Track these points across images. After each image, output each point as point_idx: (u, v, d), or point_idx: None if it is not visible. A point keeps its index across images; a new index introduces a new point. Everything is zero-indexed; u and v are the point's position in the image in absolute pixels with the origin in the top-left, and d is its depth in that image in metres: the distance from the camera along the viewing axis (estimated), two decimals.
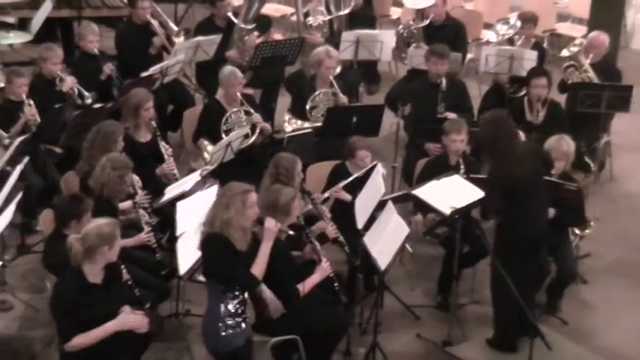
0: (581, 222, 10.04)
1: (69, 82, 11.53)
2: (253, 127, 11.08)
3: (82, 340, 7.62)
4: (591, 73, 12.07)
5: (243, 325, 7.97)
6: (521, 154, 9.03)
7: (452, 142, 10.35)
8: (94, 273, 7.70)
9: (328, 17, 13.63)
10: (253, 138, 11.06)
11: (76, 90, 11.59)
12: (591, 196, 10.72)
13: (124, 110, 10.77)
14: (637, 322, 10.14)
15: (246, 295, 7.98)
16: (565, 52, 12.43)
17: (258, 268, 8.03)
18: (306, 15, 13.79)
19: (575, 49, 12.27)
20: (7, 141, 10.77)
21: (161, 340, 9.04)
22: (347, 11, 13.68)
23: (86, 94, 11.64)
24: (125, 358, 8.12)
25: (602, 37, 12.39)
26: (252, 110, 11.20)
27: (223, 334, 7.84)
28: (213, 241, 7.85)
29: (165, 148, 10.67)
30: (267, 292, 8.17)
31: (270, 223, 8.24)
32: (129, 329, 7.85)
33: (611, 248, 11.18)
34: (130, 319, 7.86)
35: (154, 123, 10.78)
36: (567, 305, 10.10)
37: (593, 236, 10.45)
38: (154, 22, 12.76)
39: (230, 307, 7.83)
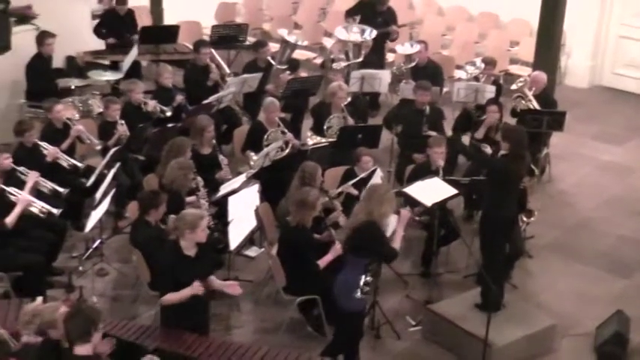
0: (524, 210, 10.03)
1: (152, 104, 11.58)
2: (287, 143, 11.06)
3: (172, 297, 7.58)
4: (534, 102, 12.00)
5: (368, 294, 8.01)
6: (525, 160, 9.02)
7: (434, 153, 10.32)
8: (188, 247, 7.63)
9: (347, 63, 13.62)
10: (287, 151, 11.03)
11: (158, 108, 11.62)
12: (535, 193, 10.67)
13: (192, 131, 10.75)
14: (568, 286, 10.16)
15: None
16: (514, 86, 12.38)
17: (397, 244, 8.01)
18: (332, 61, 13.82)
19: (520, 84, 12.25)
20: (99, 147, 10.85)
21: (216, 298, 9.04)
22: (360, 59, 13.66)
23: (165, 108, 11.70)
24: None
25: (542, 75, 12.33)
26: (286, 130, 11.19)
27: (357, 296, 7.83)
28: (370, 227, 7.80)
29: (222, 160, 10.68)
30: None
31: (405, 213, 8.26)
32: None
33: (549, 231, 11.15)
34: (197, 288, 7.72)
35: (214, 141, 10.80)
36: (517, 274, 10.08)
37: (536, 222, 10.43)
38: (212, 65, 12.76)
39: (368, 278, 7.82)
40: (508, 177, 8.90)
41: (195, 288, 7.55)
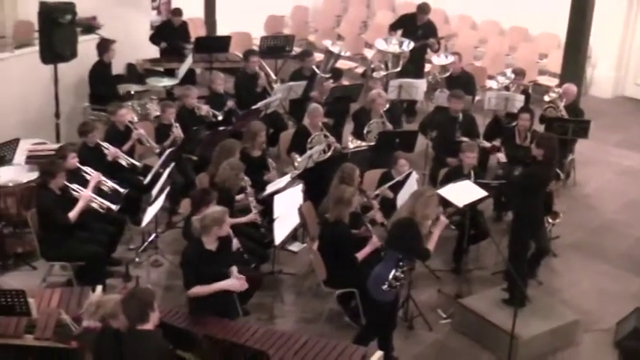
0: (550, 212, 9.95)
1: (205, 108, 11.62)
2: (329, 145, 11.04)
3: (198, 290, 7.63)
4: (564, 112, 11.94)
5: (398, 288, 7.95)
6: (555, 165, 9.06)
7: (466, 157, 10.26)
8: (209, 242, 7.71)
9: (386, 72, 13.59)
10: (330, 153, 11.01)
11: (210, 112, 11.66)
12: (561, 196, 10.57)
13: (245, 135, 10.75)
14: (590, 283, 10.05)
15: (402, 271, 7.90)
16: (547, 97, 12.28)
17: (431, 245, 7.96)
18: (372, 70, 13.79)
19: (554, 95, 12.15)
20: (157, 150, 10.88)
21: (262, 290, 9.07)
22: (398, 69, 13.62)
23: (217, 113, 11.73)
24: (237, 304, 8.18)
25: (573, 88, 12.24)
26: (329, 134, 11.17)
27: (385, 288, 7.78)
28: (409, 224, 7.79)
29: (270, 162, 10.69)
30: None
31: (443, 219, 8.22)
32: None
33: (573, 232, 11.04)
34: (234, 284, 7.82)
35: (264, 145, 10.81)
36: (542, 271, 9.98)
37: (561, 223, 10.30)
38: (261, 73, 12.78)
39: (398, 273, 7.78)
40: (541, 183, 8.93)
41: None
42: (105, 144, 10.34)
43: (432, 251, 7.96)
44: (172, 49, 14.11)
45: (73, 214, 9.01)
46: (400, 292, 8.26)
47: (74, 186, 9.25)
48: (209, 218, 7.70)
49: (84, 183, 9.43)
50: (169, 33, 14.17)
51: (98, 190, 9.56)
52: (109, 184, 9.69)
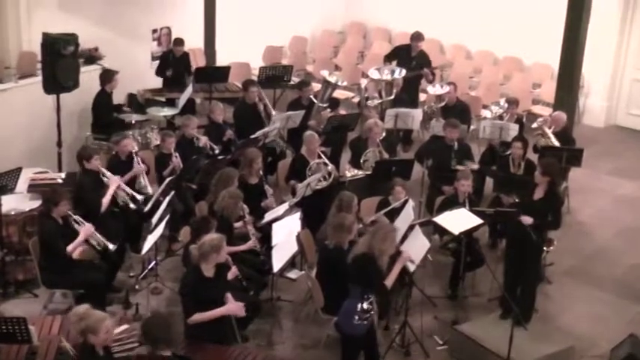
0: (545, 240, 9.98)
1: (203, 140, 11.59)
2: (329, 174, 11.02)
3: (198, 317, 7.63)
4: (552, 139, 11.96)
5: (368, 320, 7.89)
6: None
7: (461, 185, 10.27)
8: (208, 269, 7.71)
9: (380, 100, 13.61)
10: (329, 181, 10.98)
11: (208, 145, 11.62)
12: None
13: (242, 162, 10.77)
14: (585, 310, 10.03)
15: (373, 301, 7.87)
16: (534, 125, 12.34)
17: (389, 281, 7.91)
18: (367, 99, 13.80)
19: (540, 122, 12.23)
20: (148, 190, 10.65)
21: (260, 316, 9.04)
22: (392, 97, 13.63)
23: (215, 146, 11.67)
24: (236, 331, 8.13)
25: (562, 115, 12.28)
26: (328, 162, 11.17)
27: (356, 322, 7.77)
28: (366, 259, 7.77)
29: (267, 189, 10.68)
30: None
31: (406, 255, 8.19)
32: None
33: (568, 259, 11.02)
34: (232, 308, 7.81)
35: (261, 172, 10.80)
36: (538, 298, 9.87)
37: (555, 250, 10.32)
38: (260, 103, 12.80)
39: (365, 305, 7.75)
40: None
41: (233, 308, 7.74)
42: (107, 172, 10.25)
43: (389, 286, 7.89)
44: (174, 79, 14.12)
45: (71, 248, 8.97)
46: (374, 324, 8.23)
47: (77, 217, 9.22)
48: (207, 245, 7.71)
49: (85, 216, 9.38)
50: (172, 63, 14.21)
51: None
52: (98, 238, 9.32)
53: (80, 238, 9.06)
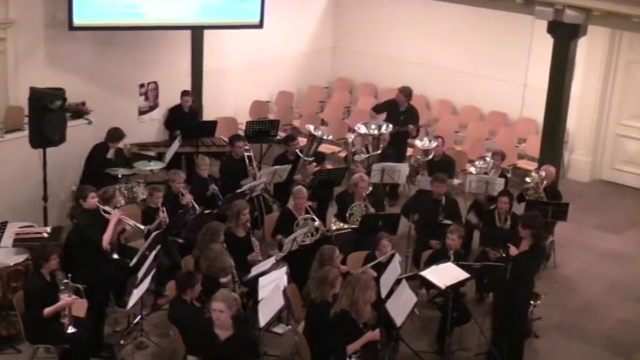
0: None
1: (187, 198, 11.49)
2: (317, 229, 10.98)
3: None
4: (543, 194, 12.02)
5: None
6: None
7: (451, 240, 10.29)
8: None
9: (367, 155, 13.65)
10: (317, 237, 10.93)
11: (190, 204, 11.50)
12: (541, 278, 10.59)
13: (229, 213, 10.76)
14: None
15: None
16: (528, 180, 12.29)
17: (353, 346, 7.99)
18: (354, 153, 13.84)
19: (536, 176, 12.19)
20: (145, 231, 10.70)
21: None
22: (379, 152, 13.66)
23: (197, 207, 11.50)
24: None
25: (552, 169, 12.39)
26: (315, 218, 11.16)
27: None
28: (341, 318, 7.86)
29: (254, 242, 10.65)
30: None
31: (375, 334, 8.22)
32: None
33: (555, 313, 11.01)
34: None
35: (248, 224, 10.77)
36: (525, 353, 9.85)
37: (542, 305, 10.31)
38: (246, 158, 12.81)
39: None
40: (532, 271, 9.19)
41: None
42: (106, 207, 10.04)
43: (349, 352, 7.90)
44: (187, 134, 14.07)
45: (47, 312, 8.85)
46: None
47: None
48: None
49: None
50: (180, 118, 14.52)
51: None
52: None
53: (60, 304, 8.89)
